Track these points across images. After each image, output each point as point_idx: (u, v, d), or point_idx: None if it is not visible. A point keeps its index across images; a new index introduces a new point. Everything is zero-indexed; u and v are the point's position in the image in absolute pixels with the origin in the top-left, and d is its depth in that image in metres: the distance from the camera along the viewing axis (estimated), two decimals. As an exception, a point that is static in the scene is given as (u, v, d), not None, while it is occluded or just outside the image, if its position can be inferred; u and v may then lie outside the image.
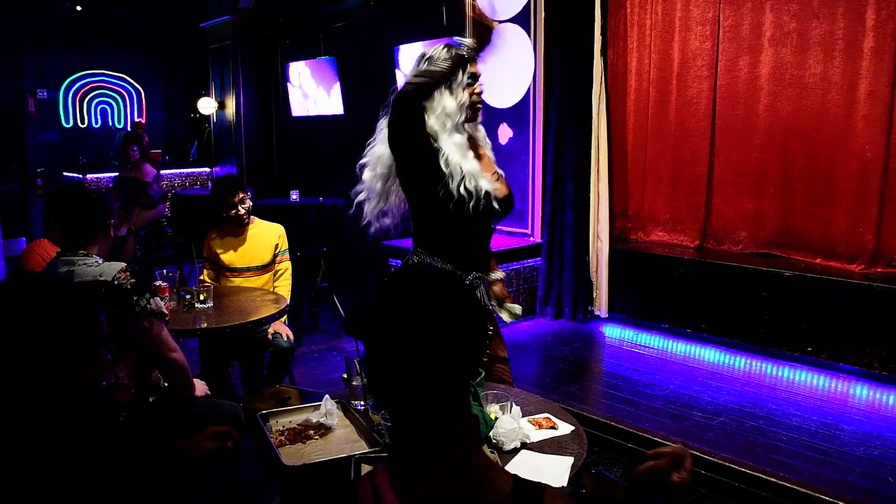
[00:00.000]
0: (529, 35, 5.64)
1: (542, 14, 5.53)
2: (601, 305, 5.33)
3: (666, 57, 5.36)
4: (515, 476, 1.16)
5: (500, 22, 5.84)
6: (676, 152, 5.34)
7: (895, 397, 3.95)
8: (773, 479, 3.10)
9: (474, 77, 2.50)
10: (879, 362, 4.06)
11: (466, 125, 2.58)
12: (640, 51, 5.52)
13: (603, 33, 5.25)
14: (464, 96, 2.48)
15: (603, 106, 5.25)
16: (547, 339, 5.11)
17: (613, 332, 5.20)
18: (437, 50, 2.49)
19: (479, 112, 2.60)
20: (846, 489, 3.01)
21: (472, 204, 2.44)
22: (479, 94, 2.54)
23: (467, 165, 2.46)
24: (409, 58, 7.35)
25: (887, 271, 4.39)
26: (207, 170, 10.55)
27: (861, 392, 4.05)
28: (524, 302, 5.59)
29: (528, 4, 5.62)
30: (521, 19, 5.68)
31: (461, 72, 2.46)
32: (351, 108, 8.44)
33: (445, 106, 2.46)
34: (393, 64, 7.49)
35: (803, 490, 3.00)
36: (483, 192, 2.46)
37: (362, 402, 2.33)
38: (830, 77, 4.57)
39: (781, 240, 4.87)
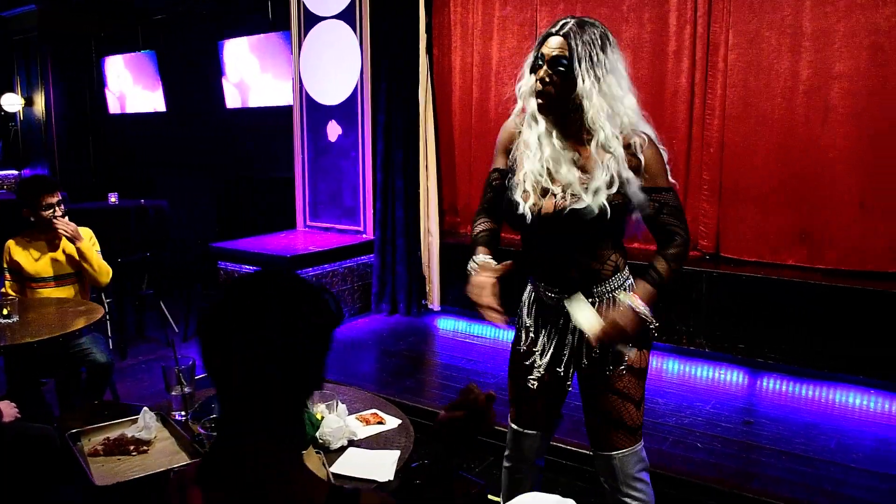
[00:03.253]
0: (356, 32, 5.64)
1: (367, 11, 5.54)
2: (434, 299, 5.43)
3: (486, 56, 5.54)
4: (332, 485, 1.16)
5: (326, 18, 5.80)
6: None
7: (701, 370, 4.32)
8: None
9: (542, 59, 2.00)
10: (688, 338, 4.43)
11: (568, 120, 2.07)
12: (464, 49, 5.66)
13: (428, 31, 5.33)
14: (531, 80, 2.05)
15: (430, 104, 5.34)
16: (383, 334, 5.14)
17: (447, 325, 5.32)
18: None
19: (545, 102, 2.02)
20: (661, 457, 3.25)
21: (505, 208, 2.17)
22: (543, 79, 1.99)
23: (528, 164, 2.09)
24: (234, 54, 7.13)
25: (692, 254, 4.79)
26: (15, 172, 9.70)
27: (673, 367, 4.39)
28: (359, 299, 5.59)
29: (353, 1, 5.60)
30: (347, 15, 5.67)
31: (533, 52, 2.06)
32: (174, 106, 8.08)
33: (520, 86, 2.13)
34: (218, 60, 7.24)
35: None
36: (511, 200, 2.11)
37: (182, 413, 2.24)
38: (640, 77, 4.89)
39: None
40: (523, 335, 2.30)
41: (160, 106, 8.16)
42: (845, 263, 4.22)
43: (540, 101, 2.01)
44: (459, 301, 5.42)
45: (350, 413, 2.35)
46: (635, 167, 2.01)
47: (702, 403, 3.85)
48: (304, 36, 5.95)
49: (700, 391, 4.04)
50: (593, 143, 2.00)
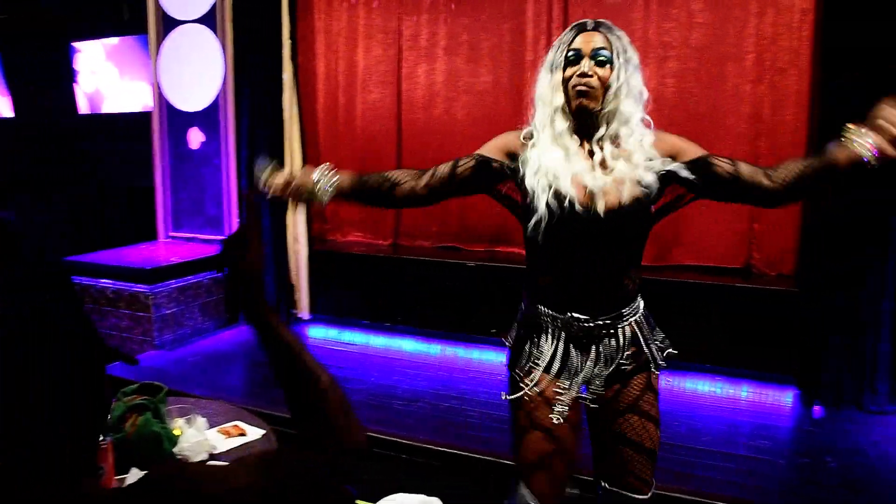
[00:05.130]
0: (217, 36, 5.50)
1: (229, 15, 5.42)
2: (303, 308, 5.37)
3: (352, 63, 5.54)
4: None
5: (185, 22, 5.62)
6: (366, 156, 5.53)
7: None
8: (465, 453, 3.35)
9: (578, 53, 1.95)
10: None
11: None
12: (329, 56, 5.64)
13: (292, 38, 5.27)
14: (557, 76, 1.98)
15: (295, 111, 5.28)
16: (251, 346, 5.02)
17: (318, 333, 5.27)
18: None
19: (588, 95, 1.94)
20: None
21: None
22: (586, 72, 1.93)
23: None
24: (86, 57, 6.79)
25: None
26: None
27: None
28: (225, 312, 5.45)
29: (214, 5, 5.47)
30: (208, 20, 5.51)
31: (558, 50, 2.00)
32: (23, 112, 7.58)
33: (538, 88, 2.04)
34: (69, 63, 6.87)
35: (492, 459, 3.28)
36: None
37: None
38: (500, 85, 5.06)
39: (463, 234, 5.29)
40: (537, 375, 2.02)
41: (6, 112, 7.63)
42: (689, 259, 4.54)
43: (583, 93, 1.92)
44: (330, 308, 5.39)
45: (211, 426, 2.30)
46: (668, 152, 1.97)
47: (565, 398, 4.00)
48: (163, 40, 5.74)
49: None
50: (613, 141, 1.96)
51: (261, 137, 5.28)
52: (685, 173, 1.93)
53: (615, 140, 1.96)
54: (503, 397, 2.11)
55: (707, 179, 1.93)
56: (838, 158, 1.75)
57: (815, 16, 4.06)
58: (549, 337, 2.02)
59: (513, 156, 2.05)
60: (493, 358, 4.65)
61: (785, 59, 4.23)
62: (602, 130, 1.95)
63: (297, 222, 5.31)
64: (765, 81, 4.31)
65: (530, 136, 2.03)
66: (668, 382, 2.21)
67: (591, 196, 1.91)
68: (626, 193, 1.91)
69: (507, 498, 2.10)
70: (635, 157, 1.93)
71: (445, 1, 5.15)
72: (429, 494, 1.86)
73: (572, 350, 2.00)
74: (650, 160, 1.93)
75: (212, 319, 5.30)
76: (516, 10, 4.94)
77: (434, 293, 4.96)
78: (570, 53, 1.95)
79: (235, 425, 2.33)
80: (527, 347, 2.08)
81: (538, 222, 1.92)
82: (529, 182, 1.96)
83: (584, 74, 1.92)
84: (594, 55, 1.92)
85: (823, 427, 3.71)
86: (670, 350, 2.09)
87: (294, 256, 5.35)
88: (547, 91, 1.98)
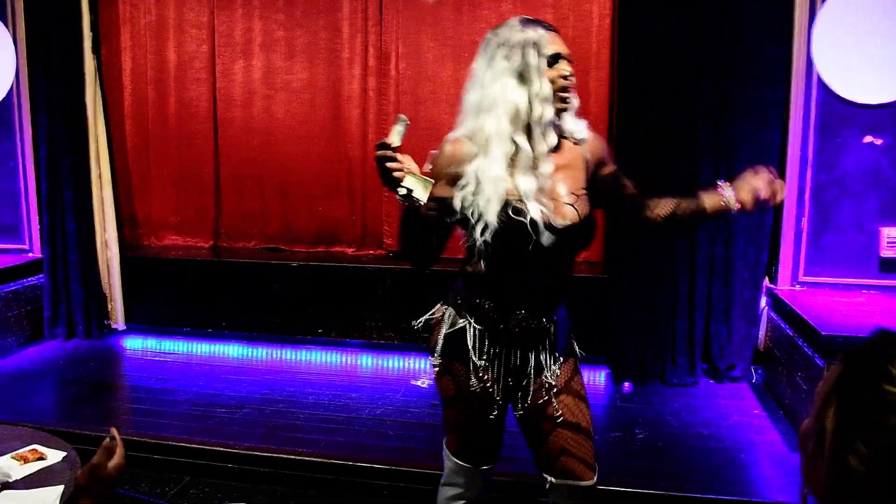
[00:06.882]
0: (7, 27, 5.03)
1: (21, 4, 4.97)
2: (118, 318, 5.05)
3: (163, 58, 5.28)
4: None
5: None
6: (181, 155, 5.31)
7: (392, 362, 4.55)
8: (292, 457, 3.30)
9: (557, 57, 1.86)
10: (377, 333, 4.63)
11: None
12: (136, 50, 5.34)
13: (94, 30, 4.91)
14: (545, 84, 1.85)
15: (100, 107, 4.94)
16: (60, 362, 4.66)
17: (135, 344, 4.98)
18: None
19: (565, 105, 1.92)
20: (357, 449, 3.37)
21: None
22: (571, 75, 1.87)
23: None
24: None
25: (378, 252, 5.04)
26: None
27: (366, 362, 4.58)
28: (29, 326, 5.01)
29: (4, -10, 5.00)
30: (-3, 9, 5.04)
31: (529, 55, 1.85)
32: None
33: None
34: None
35: (320, 460, 3.26)
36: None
37: None
38: (316, 82, 5.02)
39: (287, 234, 5.22)
40: (473, 376, 1.97)
41: None
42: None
43: (566, 100, 1.88)
44: (148, 317, 5.10)
45: (4, 453, 2.12)
46: (598, 157, 2.02)
47: (393, 393, 4.05)
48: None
49: (391, 382, 4.26)
50: (564, 143, 1.94)
51: (62, 136, 4.89)
52: (604, 182, 2.02)
53: (558, 145, 1.92)
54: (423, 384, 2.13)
55: (611, 192, 2.05)
56: (707, 205, 2.03)
57: (612, 20, 4.37)
58: (479, 342, 1.97)
59: (458, 180, 1.88)
60: (321, 358, 4.64)
61: (587, 62, 4.48)
62: (551, 136, 1.88)
63: (107, 227, 4.98)
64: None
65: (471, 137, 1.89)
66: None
67: (546, 215, 1.84)
68: (580, 206, 1.90)
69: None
70: (575, 166, 1.94)
71: (260, -4, 5.04)
72: (252, 502, 1.80)
73: (501, 351, 1.98)
74: (586, 167, 1.97)
75: (13, 336, 4.86)
76: (332, 6, 4.93)
77: (258, 296, 4.85)
78: (550, 56, 1.84)
79: (33, 449, 2.16)
80: (461, 338, 1.99)
81: (484, 231, 1.83)
82: (478, 194, 1.84)
83: (568, 77, 1.87)
84: (568, 56, 1.88)
85: (633, 401, 4.01)
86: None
87: (105, 264, 5.02)
88: (521, 100, 1.82)
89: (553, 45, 1.84)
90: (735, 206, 2.00)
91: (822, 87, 3.96)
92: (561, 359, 2.02)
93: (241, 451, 3.35)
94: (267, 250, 5.21)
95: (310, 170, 5.10)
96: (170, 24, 5.25)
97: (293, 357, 4.67)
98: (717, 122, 4.00)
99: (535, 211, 1.81)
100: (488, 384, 1.96)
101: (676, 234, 3.95)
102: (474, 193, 1.83)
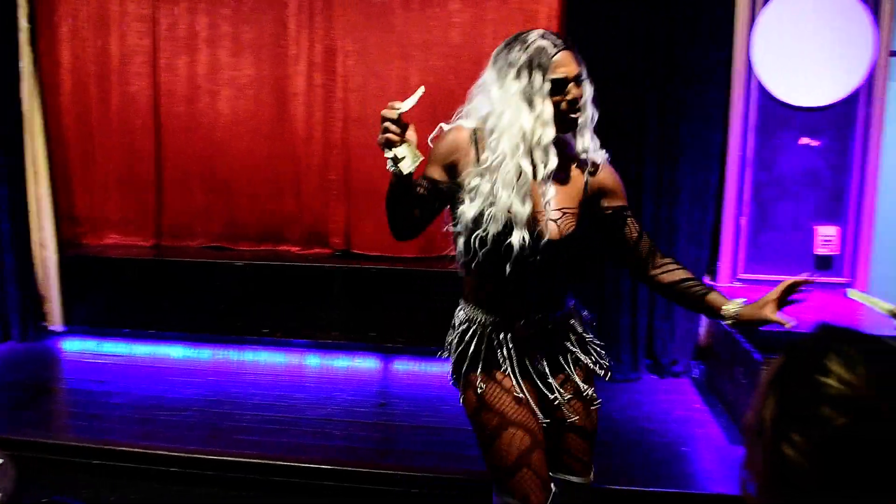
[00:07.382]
0: (-65, 19, 4.83)
1: (-49, -5, 4.78)
2: (55, 319, 4.90)
3: (104, 52, 5.13)
4: None
5: None
6: (123, 151, 5.17)
7: (339, 360, 4.52)
8: (235, 459, 3.25)
9: (564, 80, 1.84)
10: (323, 332, 4.60)
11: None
12: (75, 43, 5.17)
13: (31, 22, 4.76)
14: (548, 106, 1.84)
15: (36, 102, 4.78)
16: (-6, 364, 4.51)
17: (73, 346, 4.83)
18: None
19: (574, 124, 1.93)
20: (302, 451, 3.34)
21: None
22: (576, 99, 1.86)
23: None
24: None
25: (324, 251, 5.00)
26: None
27: (313, 362, 4.53)
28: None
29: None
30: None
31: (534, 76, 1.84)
32: None
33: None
34: None
35: (263, 461, 3.22)
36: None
37: None
38: (262, 78, 4.95)
39: (232, 232, 5.13)
40: (500, 390, 1.96)
41: None
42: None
43: (573, 120, 1.88)
44: (88, 318, 4.96)
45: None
46: (603, 184, 1.99)
47: (340, 393, 4.03)
48: None
49: (338, 381, 4.24)
50: (572, 159, 1.96)
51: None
52: (603, 213, 2.01)
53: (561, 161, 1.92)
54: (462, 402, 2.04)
55: (609, 228, 2.03)
56: (708, 301, 1.93)
57: (560, 21, 4.41)
58: (503, 340, 1.98)
59: (454, 168, 1.93)
60: (266, 358, 4.58)
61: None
62: (551, 157, 1.88)
63: (43, 226, 4.83)
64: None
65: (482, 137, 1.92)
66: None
67: (541, 231, 1.89)
68: (564, 223, 1.93)
69: None
70: (576, 182, 1.96)
71: (205, -11, 4.95)
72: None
73: (527, 349, 2.00)
74: (585, 188, 1.97)
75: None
76: (278, 1, 4.87)
77: (202, 295, 4.76)
78: (557, 81, 1.83)
79: (-37, 455, 2.07)
80: (478, 352, 2.00)
81: (483, 243, 1.87)
82: (482, 207, 1.87)
83: (574, 101, 1.85)
84: (577, 80, 1.86)
85: (578, 398, 4.05)
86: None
87: (41, 264, 4.86)
88: (528, 125, 1.83)
89: (561, 69, 1.82)
90: (733, 317, 1.89)
91: (761, 89, 4.07)
92: (584, 358, 2.07)
93: (183, 455, 3.29)
94: (211, 249, 5.12)
95: (255, 167, 5.02)
96: (111, 17, 5.10)
97: (238, 358, 4.60)
98: (663, 120, 4.07)
99: (517, 237, 1.84)
100: (510, 389, 1.96)
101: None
102: (480, 213, 1.86)
